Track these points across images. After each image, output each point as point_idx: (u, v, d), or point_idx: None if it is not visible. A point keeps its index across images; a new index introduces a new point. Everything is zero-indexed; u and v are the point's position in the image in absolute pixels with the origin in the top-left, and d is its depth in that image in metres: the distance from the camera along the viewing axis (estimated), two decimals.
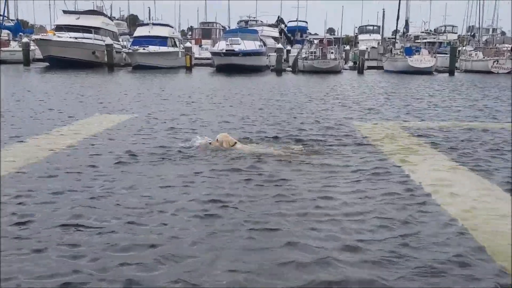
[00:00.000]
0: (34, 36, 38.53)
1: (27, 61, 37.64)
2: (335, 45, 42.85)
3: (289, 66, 40.73)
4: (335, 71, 37.34)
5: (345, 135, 8.40)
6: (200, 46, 50.90)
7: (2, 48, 40.38)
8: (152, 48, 37.36)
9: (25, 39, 39.10)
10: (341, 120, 10.45)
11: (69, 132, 8.52)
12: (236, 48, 35.98)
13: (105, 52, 37.60)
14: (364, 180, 5.31)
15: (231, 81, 26.91)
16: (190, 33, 63.81)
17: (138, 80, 25.57)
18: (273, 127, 9.17)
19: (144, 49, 36.88)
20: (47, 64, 36.75)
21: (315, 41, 40.71)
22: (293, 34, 58.46)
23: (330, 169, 5.81)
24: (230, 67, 34.97)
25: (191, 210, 4.14)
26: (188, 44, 40.58)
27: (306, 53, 39.71)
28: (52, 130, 8.70)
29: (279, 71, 37.62)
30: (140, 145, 7.16)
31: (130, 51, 37.05)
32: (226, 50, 35.54)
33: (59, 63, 35.01)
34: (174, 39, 42.01)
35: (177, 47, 41.77)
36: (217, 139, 6.92)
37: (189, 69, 37.77)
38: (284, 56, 43.15)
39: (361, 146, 7.31)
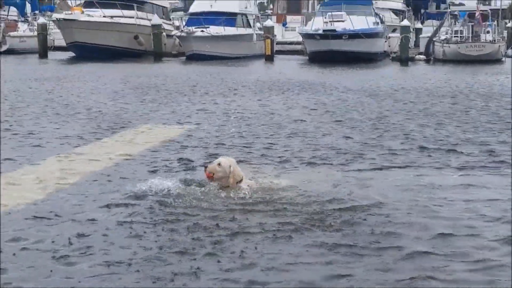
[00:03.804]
0: (55, 15, 39.93)
1: (44, 50, 39.42)
2: (492, 20, 41.36)
3: (419, 53, 40.03)
4: (492, 60, 36.08)
5: None
6: (285, 25, 51.24)
7: (9, 33, 43.02)
8: (214, 30, 37.92)
9: (41, 20, 41.23)
10: None
11: (93, 151, 9.00)
12: (340, 27, 35.68)
13: (152, 35, 38.82)
14: None
15: (332, 76, 26.56)
16: (271, 6, 64.71)
17: (193, 75, 25.82)
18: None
19: (202, 31, 37.56)
20: (72, 54, 38.54)
21: (461, 15, 39.61)
22: (425, 5, 57.47)
23: None
24: (330, 55, 34.74)
25: None
26: (268, 23, 40.84)
27: (447, 33, 38.80)
28: (71, 150, 9.17)
29: (404, 60, 36.85)
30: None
31: (183, 34, 37.82)
32: (324, 31, 35.39)
33: (87, 53, 36.46)
34: (246, 15, 42.53)
35: (250, 27, 42.26)
36: (218, 164, 6.52)
37: (269, 58, 37.94)
38: (413, 38, 42.22)
39: None
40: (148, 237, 5.30)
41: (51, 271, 4.55)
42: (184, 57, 38.02)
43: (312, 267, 4.70)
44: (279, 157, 8.76)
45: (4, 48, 41.91)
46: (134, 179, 7.20)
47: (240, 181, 6.59)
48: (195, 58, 36.56)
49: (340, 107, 14.89)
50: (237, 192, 6.45)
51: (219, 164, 6.50)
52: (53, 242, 5.14)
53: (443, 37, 38.87)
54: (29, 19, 46.46)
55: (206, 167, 6.52)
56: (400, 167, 8.16)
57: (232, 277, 4.47)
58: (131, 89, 19.03)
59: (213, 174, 6.46)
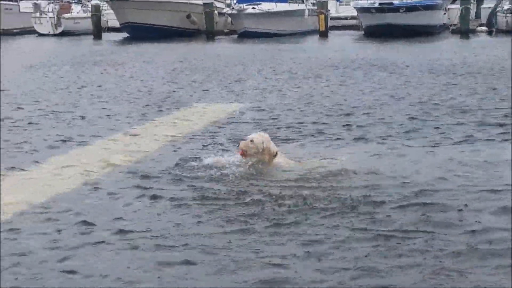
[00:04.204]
0: None
1: (98, 32, 40.24)
2: None
3: (481, 25, 39.13)
4: None
5: None
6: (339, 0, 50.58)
7: (63, 15, 43.98)
8: (266, 6, 38.01)
9: (95, 1, 41.98)
10: None
11: (148, 131, 9.20)
12: (396, 0, 35.39)
13: (203, 14, 39.17)
14: None
15: (389, 51, 26.25)
16: None
17: (245, 53, 26.01)
18: None
19: (254, 8, 37.59)
20: (126, 34, 39.19)
21: None
22: None
23: None
24: (387, 29, 34.33)
25: None
26: None
27: (511, 3, 37.73)
28: (126, 130, 9.43)
29: (465, 32, 36.09)
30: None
31: (234, 11, 38.03)
32: (380, 4, 35.07)
33: (140, 33, 37.05)
34: None
35: (303, 2, 42.04)
36: (251, 140, 6.52)
37: (323, 34, 37.72)
38: (473, 9, 41.22)
39: None
40: (201, 215, 5.46)
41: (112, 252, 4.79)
42: (236, 35, 38.14)
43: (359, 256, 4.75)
44: (333, 135, 8.79)
45: (59, 30, 43.09)
46: (185, 158, 7.33)
47: (275, 155, 6.60)
48: (246, 35, 36.62)
49: (398, 84, 14.77)
50: (277, 169, 6.50)
51: (251, 141, 6.54)
52: (107, 226, 5.36)
53: (506, 7, 37.79)
54: (83, 0, 47.30)
55: (239, 144, 6.58)
56: (458, 143, 8.10)
57: (290, 255, 4.59)
58: (185, 69, 19.33)
59: (246, 151, 6.51)
